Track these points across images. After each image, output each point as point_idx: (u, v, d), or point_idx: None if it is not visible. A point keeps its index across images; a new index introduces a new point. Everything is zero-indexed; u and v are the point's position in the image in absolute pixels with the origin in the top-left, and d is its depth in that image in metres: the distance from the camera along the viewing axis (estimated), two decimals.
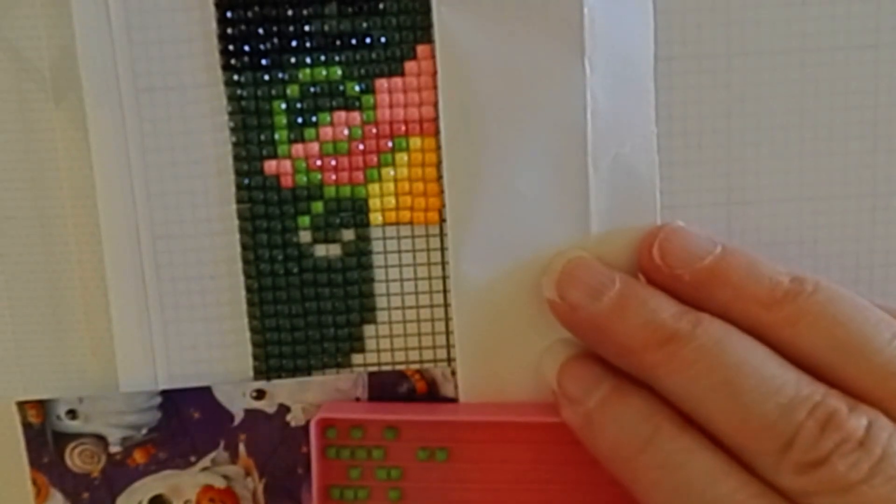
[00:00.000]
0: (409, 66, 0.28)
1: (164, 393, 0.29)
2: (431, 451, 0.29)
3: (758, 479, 0.23)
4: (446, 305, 0.29)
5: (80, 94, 0.28)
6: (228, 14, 0.27)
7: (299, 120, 0.28)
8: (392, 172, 0.28)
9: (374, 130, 0.28)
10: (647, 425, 0.25)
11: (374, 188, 0.28)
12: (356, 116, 0.28)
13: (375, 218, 0.29)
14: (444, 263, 0.29)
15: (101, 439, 0.30)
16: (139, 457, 0.30)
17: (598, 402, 0.26)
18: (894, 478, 0.22)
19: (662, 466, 0.24)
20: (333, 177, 0.28)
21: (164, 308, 0.29)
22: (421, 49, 0.28)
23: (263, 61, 0.28)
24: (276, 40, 0.28)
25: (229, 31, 0.27)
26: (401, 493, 0.29)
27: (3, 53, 0.28)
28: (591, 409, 0.26)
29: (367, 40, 0.28)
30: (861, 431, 0.22)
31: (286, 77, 0.28)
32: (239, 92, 0.28)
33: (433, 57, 0.27)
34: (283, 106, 0.28)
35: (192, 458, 0.30)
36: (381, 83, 0.28)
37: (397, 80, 0.28)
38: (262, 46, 0.28)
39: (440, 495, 0.29)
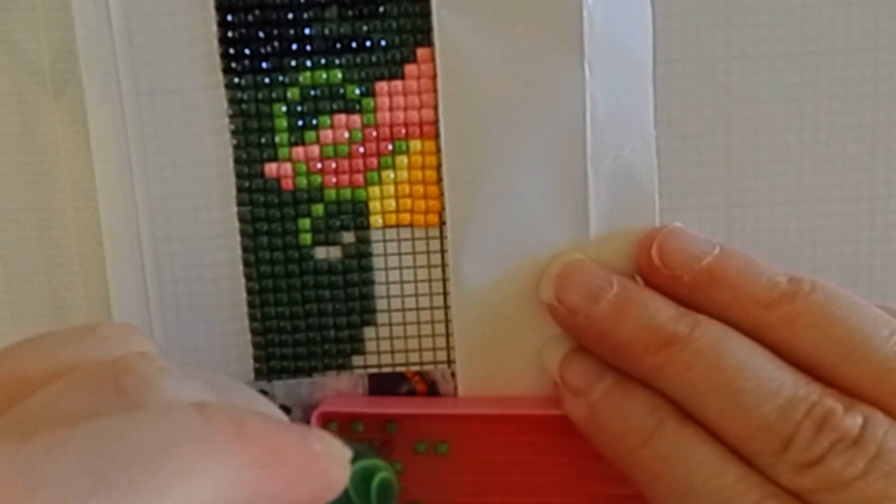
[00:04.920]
0: (409, 69, 0.28)
1: None
2: (432, 445, 0.29)
3: (757, 471, 0.24)
4: (446, 307, 0.29)
5: (80, 88, 0.28)
6: (229, 17, 0.27)
7: (300, 123, 0.28)
8: (392, 175, 0.28)
9: (375, 133, 0.28)
10: (651, 418, 0.25)
11: (374, 191, 0.28)
12: (356, 119, 0.28)
13: (376, 220, 0.29)
14: (444, 266, 0.29)
15: None
16: None
17: (601, 395, 0.27)
18: (889, 473, 0.22)
19: (665, 459, 0.25)
20: (334, 179, 0.28)
21: (165, 310, 0.29)
22: (421, 52, 0.28)
23: (264, 64, 0.28)
24: (276, 43, 0.28)
25: (230, 34, 0.28)
26: (401, 486, 0.29)
27: (2, 51, 0.28)
28: (595, 401, 0.27)
29: (368, 43, 0.28)
30: (856, 430, 0.23)
31: (287, 80, 0.28)
32: (239, 95, 0.28)
33: (433, 60, 0.27)
34: (284, 109, 0.28)
35: None
36: (382, 86, 0.28)
37: (397, 83, 0.28)
38: (262, 50, 0.28)
39: (441, 489, 0.29)
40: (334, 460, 0.18)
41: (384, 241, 0.29)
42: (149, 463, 0.15)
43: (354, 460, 0.20)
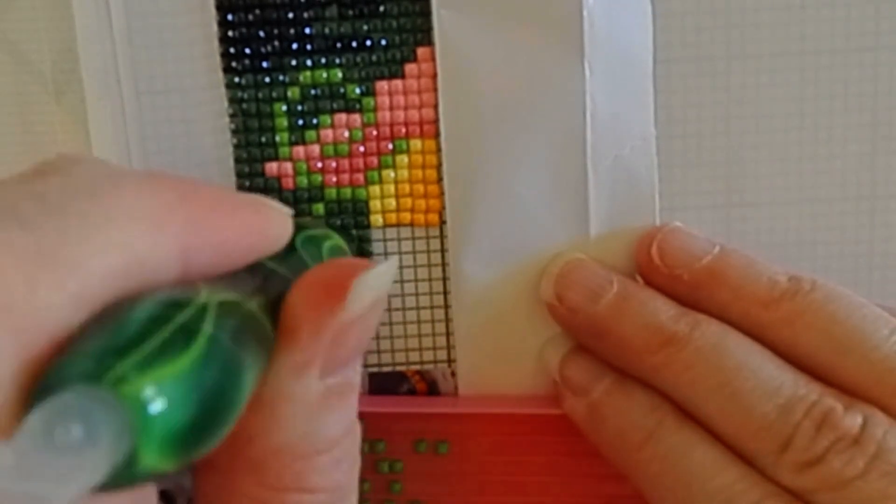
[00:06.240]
0: (410, 68, 0.28)
1: None
2: (432, 444, 0.29)
3: (757, 470, 0.24)
4: (446, 307, 0.29)
5: (80, 88, 0.28)
6: (229, 17, 0.27)
7: (300, 122, 0.28)
8: (392, 174, 0.28)
9: (375, 132, 0.28)
10: (651, 418, 0.25)
11: (374, 190, 0.28)
12: (357, 118, 0.28)
13: (376, 220, 0.29)
14: (444, 265, 0.29)
15: None
16: None
17: (601, 394, 0.27)
18: (889, 473, 0.22)
19: (664, 459, 0.25)
20: (334, 179, 0.28)
21: None
22: (421, 51, 0.28)
23: (264, 64, 0.28)
24: (276, 43, 0.28)
25: (230, 33, 0.28)
26: (402, 486, 0.29)
27: (2, 51, 0.28)
28: (595, 399, 0.27)
29: (368, 43, 0.28)
30: (856, 429, 0.23)
31: (287, 79, 0.28)
32: (240, 94, 0.28)
33: (433, 59, 0.27)
34: (284, 108, 0.28)
35: None
36: (382, 85, 0.28)
37: (397, 83, 0.28)
38: (262, 49, 0.28)
39: (441, 488, 0.29)
40: (274, 210, 0.21)
41: (384, 240, 0.29)
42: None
43: (304, 230, 0.23)
